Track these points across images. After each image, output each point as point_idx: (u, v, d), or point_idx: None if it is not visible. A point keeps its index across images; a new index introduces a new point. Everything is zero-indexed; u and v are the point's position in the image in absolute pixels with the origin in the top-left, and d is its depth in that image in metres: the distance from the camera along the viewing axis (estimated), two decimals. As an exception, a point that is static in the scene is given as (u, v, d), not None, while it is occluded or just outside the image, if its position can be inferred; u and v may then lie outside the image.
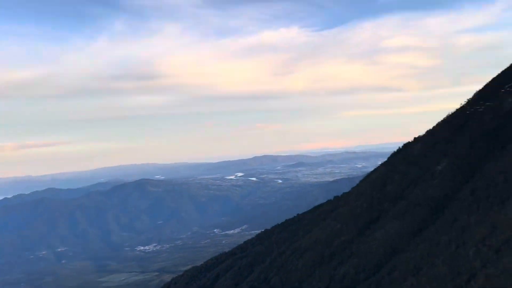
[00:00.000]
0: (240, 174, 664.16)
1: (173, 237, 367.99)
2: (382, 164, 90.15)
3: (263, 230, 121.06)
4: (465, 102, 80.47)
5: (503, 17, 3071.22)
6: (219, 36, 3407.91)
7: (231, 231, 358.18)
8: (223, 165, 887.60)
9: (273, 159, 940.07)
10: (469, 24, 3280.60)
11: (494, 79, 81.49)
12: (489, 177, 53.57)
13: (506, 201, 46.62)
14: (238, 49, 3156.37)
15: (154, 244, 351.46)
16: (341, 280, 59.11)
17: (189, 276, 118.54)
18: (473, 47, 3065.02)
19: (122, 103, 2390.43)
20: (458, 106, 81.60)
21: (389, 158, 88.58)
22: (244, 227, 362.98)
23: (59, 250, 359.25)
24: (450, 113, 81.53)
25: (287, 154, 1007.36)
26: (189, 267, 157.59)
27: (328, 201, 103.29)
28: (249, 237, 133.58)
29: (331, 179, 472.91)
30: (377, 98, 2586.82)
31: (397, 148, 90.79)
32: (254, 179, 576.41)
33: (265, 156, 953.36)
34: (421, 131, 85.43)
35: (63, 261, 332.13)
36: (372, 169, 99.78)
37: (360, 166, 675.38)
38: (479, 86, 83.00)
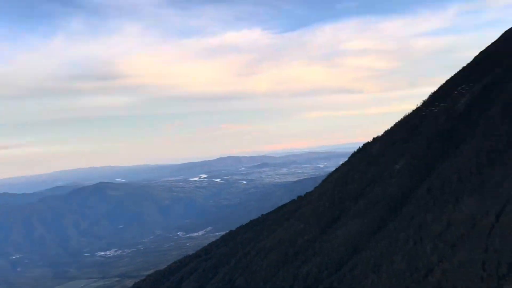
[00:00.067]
0: (204, 175, 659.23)
1: (135, 241, 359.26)
2: (343, 164, 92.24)
3: (227, 232, 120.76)
4: (420, 104, 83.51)
5: (456, 22, 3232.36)
6: (181, 36, 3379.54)
7: (195, 234, 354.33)
8: (187, 166, 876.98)
9: (237, 160, 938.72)
10: (425, 28, 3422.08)
11: (448, 81, 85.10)
12: (444, 176, 55.89)
13: (460, 199, 48.79)
14: (201, 49, 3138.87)
15: (115, 249, 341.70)
16: (304, 279, 59.88)
17: (151, 281, 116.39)
18: (429, 50, 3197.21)
19: (81, 104, 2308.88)
20: (414, 107, 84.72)
21: (349, 158, 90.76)
22: (208, 229, 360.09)
23: (13, 257, 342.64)
24: (407, 114, 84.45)
25: (251, 155, 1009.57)
26: (151, 271, 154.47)
27: (292, 201, 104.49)
28: (214, 239, 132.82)
29: (294, 179, 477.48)
30: (339, 99, 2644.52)
31: (357, 148, 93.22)
32: (218, 180, 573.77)
33: (229, 157, 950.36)
34: (381, 132, 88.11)
35: (18, 269, 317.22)
36: (334, 168, 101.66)
37: (322, 166, 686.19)
38: (434, 88, 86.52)
